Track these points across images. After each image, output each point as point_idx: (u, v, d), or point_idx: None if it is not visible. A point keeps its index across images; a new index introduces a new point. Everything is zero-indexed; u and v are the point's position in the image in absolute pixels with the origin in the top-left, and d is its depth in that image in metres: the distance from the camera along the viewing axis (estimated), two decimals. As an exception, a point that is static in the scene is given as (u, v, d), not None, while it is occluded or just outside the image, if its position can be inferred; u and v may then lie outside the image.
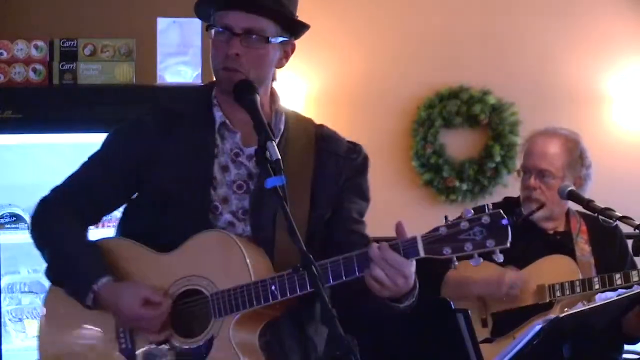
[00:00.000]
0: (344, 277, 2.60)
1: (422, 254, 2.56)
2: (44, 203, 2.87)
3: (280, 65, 2.83)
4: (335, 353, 2.35)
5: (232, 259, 2.70)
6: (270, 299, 2.65)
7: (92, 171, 2.85)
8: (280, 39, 2.78)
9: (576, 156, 4.07)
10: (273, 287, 2.65)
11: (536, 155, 4.05)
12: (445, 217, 2.60)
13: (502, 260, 2.54)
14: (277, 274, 2.67)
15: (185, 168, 2.75)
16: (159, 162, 2.76)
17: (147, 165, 2.77)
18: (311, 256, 2.47)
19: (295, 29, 2.81)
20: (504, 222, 2.51)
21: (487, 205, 2.56)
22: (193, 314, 2.72)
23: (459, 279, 3.98)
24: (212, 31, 2.76)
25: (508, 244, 2.52)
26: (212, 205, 2.76)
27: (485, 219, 2.52)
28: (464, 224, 2.54)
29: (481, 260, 2.54)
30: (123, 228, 2.90)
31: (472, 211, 2.56)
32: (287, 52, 2.83)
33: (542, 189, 4.03)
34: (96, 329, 2.81)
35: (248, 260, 2.69)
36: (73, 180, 2.87)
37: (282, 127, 2.85)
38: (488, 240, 2.51)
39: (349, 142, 2.94)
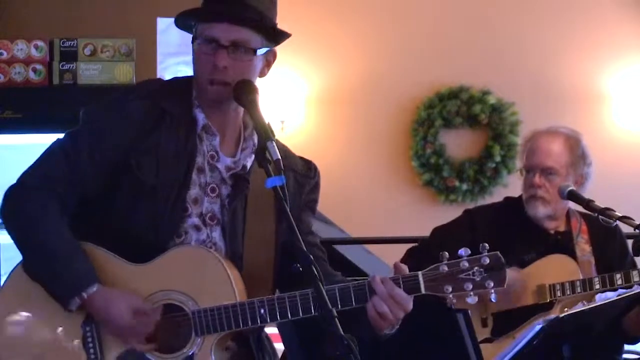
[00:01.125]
0: (339, 306, 2.63)
1: (423, 290, 2.65)
2: (24, 189, 2.74)
3: (262, 74, 2.82)
4: (335, 353, 2.34)
5: (215, 277, 2.68)
6: (259, 321, 2.65)
7: (77, 157, 2.72)
8: (265, 49, 2.77)
9: (578, 154, 4.07)
10: (262, 311, 2.64)
11: (540, 153, 4.04)
12: (443, 255, 2.65)
13: (496, 301, 2.69)
14: (266, 297, 2.66)
15: (165, 165, 2.72)
16: (142, 155, 2.71)
17: (129, 157, 2.71)
18: (311, 256, 2.47)
19: (277, 38, 2.80)
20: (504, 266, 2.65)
21: (484, 245, 2.65)
22: (171, 329, 2.69)
23: None
24: (196, 43, 2.74)
25: (505, 286, 2.65)
26: (183, 205, 2.75)
27: (485, 260, 2.65)
28: (464, 264, 2.64)
29: (477, 298, 2.65)
30: (83, 218, 2.78)
31: (469, 250, 2.66)
32: (269, 61, 2.83)
33: (546, 187, 4.01)
34: (60, 336, 2.71)
35: (232, 280, 2.68)
36: (56, 165, 2.74)
37: (256, 140, 2.84)
38: (487, 281, 2.64)
39: (301, 158, 2.95)
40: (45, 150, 2.79)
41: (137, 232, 2.71)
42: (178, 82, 2.87)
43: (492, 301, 2.67)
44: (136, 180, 2.71)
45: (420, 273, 2.64)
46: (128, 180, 2.71)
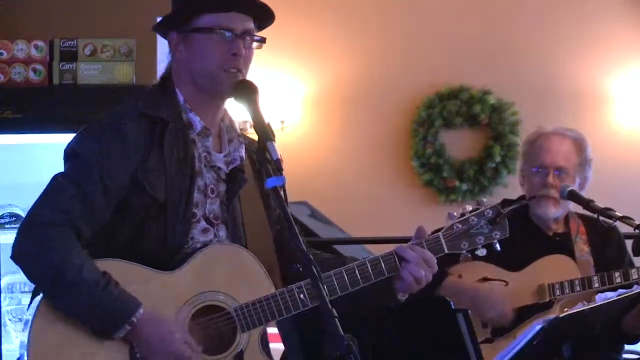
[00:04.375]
0: (373, 279, 2.76)
1: (446, 250, 2.80)
2: (44, 227, 2.64)
3: None
4: (335, 353, 2.35)
5: (248, 271, 2.71)
6: (301, 307, 2.70)
7: (91, 191, 2.67)
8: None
9: (586, 157, 4.06)
10: (302, 296, 2.69)
11: (553, 152, 4.02)
12: (451, 215, 2.82)
13: (500, 250, 2.80)
14: (303, 282, 2.69)
15: (171, 178, 2.72)
16: (150, 173, 2.70)
17: (138, 178, 2.70)
18: (311, 256, 2.48)
19: (261, 27, 2.85)
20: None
21: (482, 199, 2.86)
22: (214, 330, 2.69)
23: (453, 287, 3.96)
24: (199, 34, 2.74)
25: (508, 233, 2.81)
26: (192, 212, 2.75)
27: (488, 212, 2.80)
28: (473, 219, 2.80)
29: (485, 251, 2.80)
30: (95, 241, 2.72)
31: (470, 207, 2.83)
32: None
33: (557, 187, 3.99)
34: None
35: (266, 272, 2.72)
36: (70, 200, 2.67)
37: (238, 129, 2.88)
38: (494, 232, 2.80)
39: None
40: (50, 186, 2.72)
41: (148, 246, 2.71)
42: (160, 90, 2.84)
43: (498, 250, 2.80)
44: (148, 199, 2.70)
45: (440, 234, 2.81)
46: (139, 200, 2.71)
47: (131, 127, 2.73)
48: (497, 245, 2.80)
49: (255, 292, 2.69)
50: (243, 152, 2.82)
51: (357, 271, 2.74)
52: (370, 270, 2.75)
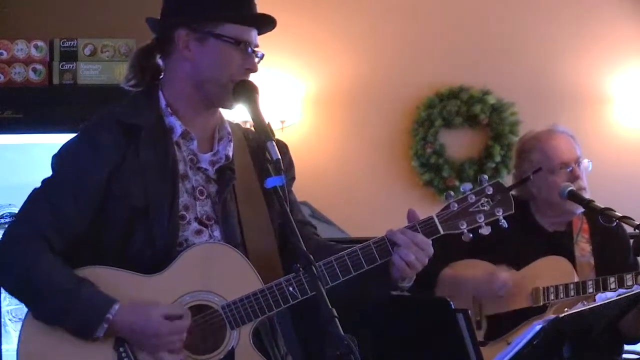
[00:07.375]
0: (365, 266, 2.70)
1: (441, 231, 2.74)
2: (13, 241, 2.70)
3: None
4: (335, 353, 2.35)
5: (236, 268, 2.70)
6: (291, 300, 2.68)
7: (61, 204, 2.70)
8: None
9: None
10: (291, 289, 2.66)
11: (567, 147, 4.04)
12: (448, 194, 2.76)
13: (507, 227, 2.72)
14: (292, 275, 2.67)
15: (151, 182, 2.71)
16: (124, 180, 2.70)
17: (112, 186, 2.70)
18: (311, 256, 2.48)
19: None
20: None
21: (483, 176, 2.77)
22: (203, 329, 2.69)
23: (452, 278, 3.97)
24: (215, 41, 2.73)
25: (513, 209, 2.73)
26: (179, 215, 2.74)
27: (489, 189, 2.75)
28: (471, 197, 2.74)
29: (490, 228, 2.72)
30: (75, 250, 2.74)
31: (471, 185, 2.76)
32: None
33: (583, 178, 4.02)
34: None
35: (253, 267, 2.70)
36: (40, 212, 2.71)
37: (229, 127, 2.87)
38: (496, 209, 2.74)
39: None
40: (25, 202, 2.76)
41: (134, 253, 2.70)
42: (140, 96, 2.83)
43: (504, 227, 2.72)
44: (127, 206, 2.70)
45: (434, 215, 2.75)
46: (118, 208, 2.71)
47: (105, 135, 2.73)
48: (504, 222, 2.74)
49: (243, 289, 2.68)
50: (230, 151, 2.81)
51: (347, 259, 2.70)
52: (361, 257, 2.70)
